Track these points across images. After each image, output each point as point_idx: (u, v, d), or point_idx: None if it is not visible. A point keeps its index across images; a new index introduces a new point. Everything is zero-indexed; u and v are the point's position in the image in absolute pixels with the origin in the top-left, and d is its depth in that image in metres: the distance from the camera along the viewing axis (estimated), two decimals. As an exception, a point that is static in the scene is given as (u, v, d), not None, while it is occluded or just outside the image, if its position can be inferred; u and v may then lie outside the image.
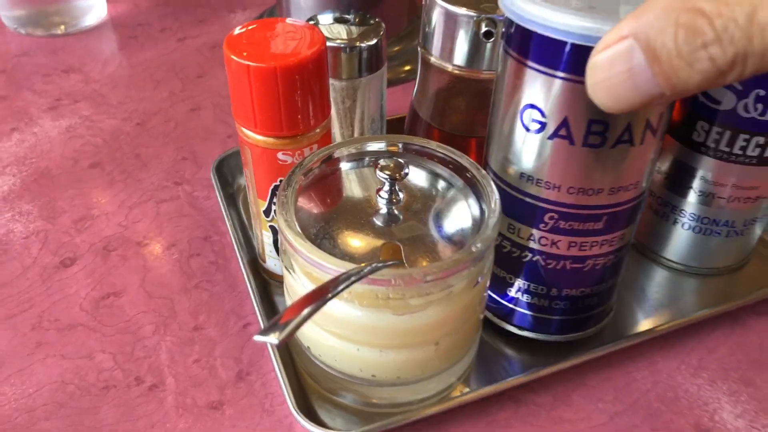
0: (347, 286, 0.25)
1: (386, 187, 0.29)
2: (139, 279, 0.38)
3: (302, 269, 0.28)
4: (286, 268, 0.29)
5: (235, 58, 0.29)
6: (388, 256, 0.28)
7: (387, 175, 0.28)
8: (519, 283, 0.32)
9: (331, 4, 0.53)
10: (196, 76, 0.56)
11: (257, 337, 0.20)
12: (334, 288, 0.24)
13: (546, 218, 0.29)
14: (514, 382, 0.32)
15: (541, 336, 0.34)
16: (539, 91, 0.27)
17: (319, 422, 0.30)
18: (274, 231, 0.35)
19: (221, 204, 0.41)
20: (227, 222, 0.39)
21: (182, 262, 0.39)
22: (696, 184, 0.36)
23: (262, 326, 0.34)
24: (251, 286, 0.35)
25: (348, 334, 0.29)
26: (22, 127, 0.50)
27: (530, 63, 0.27)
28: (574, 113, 0.26)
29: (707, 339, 0.36)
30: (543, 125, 0.27)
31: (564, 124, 0.27)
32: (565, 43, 0.25)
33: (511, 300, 0.34)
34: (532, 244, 0.31)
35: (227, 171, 0.44)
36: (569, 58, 0.25)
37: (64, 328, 0.35)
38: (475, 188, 0.30)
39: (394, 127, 0.45)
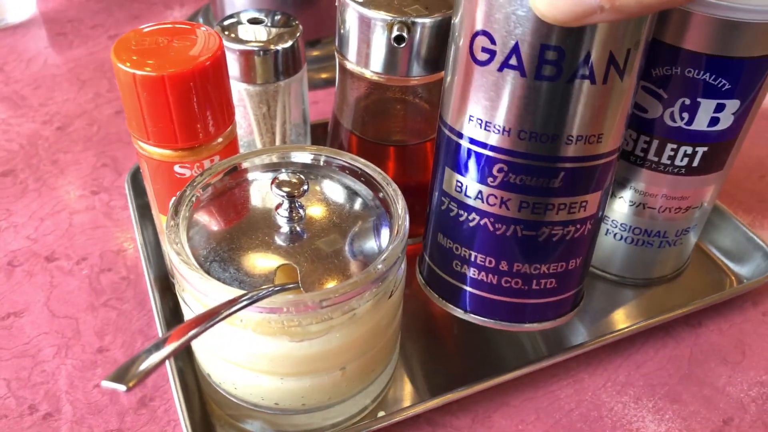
0: (232, 313, 0.23)
1: (285, 205, 0.27)
2: (44, 297, 0.36)
3: (192, 296, 0.26)
4: (178, 293, 0.27)
5: (121, 66, 0.27)
6: (284, 279, 0.26)
7: (285, 192, 0.27)
8: (465, 253, 0.29)
9: (264, 3, 0.50)
10: (125, 75, 0.54)
11: (104, 383, 0.18)
12: (213, 318, 0.22)
13: (495, 171, 0.26)
14: (430, 405, 0.31)
15: (489, 322, 0.30)
16: (490, 14, 0.24)
17: (220, 454, 0.29)
18: None
19: (133, 215, 0.38)
20: (137, 235, 0.37)
21: (92, 278, 0.37)
22: (627, 194, 0.34)
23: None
24: (156, 306, 0.33)
25: (246, 363, 0.27)
26: (-67, 132, 0.47)
27: None
28: (525, 38, 0.23)
29: (636, 354, 0.34)
30: (492, 54, 0.24)
31: (515, 50, 0.24)
32: None
33: (457, 276, 0.30)
34: (480, 204, 0.27)
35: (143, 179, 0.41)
36: None
37: (-44, 352, 0.33)
38: (386, 204, 0.29)
39: (322, 132, 0.43)
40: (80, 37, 0.58)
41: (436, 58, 0.32)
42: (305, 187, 0.27)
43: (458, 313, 0.31)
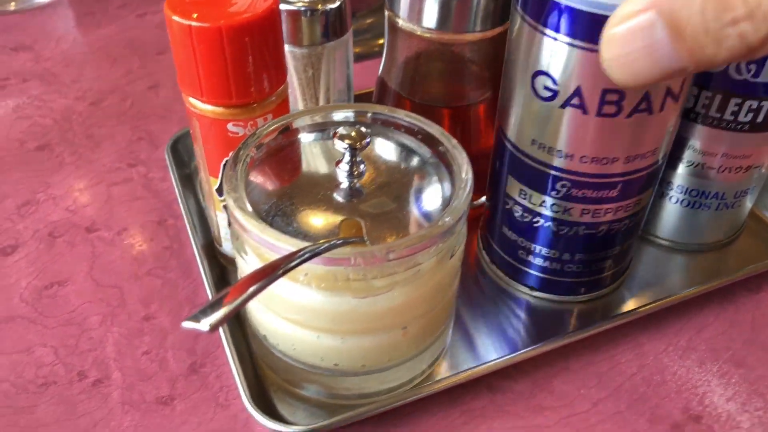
0: (297, 265, 0.22)
1: (346, 159, 0.26)
2: (87, 267, 0.35)
3: (254, 251, 0.25)
4: (237, 251, 0.27)
5: (176, 18, 0.26)
6: (348, 233, 0.25)
7: (347, 144, 0.26)
8: (529, 245, 0.32)
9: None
10: (156, 52, 0.53)
11: (185, 324, 0.18)
12: (284, 266, 0.22)
13: (558, 186, 0.28)
14: (490, 368, 0.30)
15: (553, 296, 0.33)
16: (551, 58, 0.25)
17: (278, 417, 0.28)
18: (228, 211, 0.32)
19: (175, 185, 0.38)
20: (181, 204, 0.36)
21: (134, 248, 0.37)
22: (685, 154, 0.33)
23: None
24: (205, 272, 0.33)
25: (307, 321, 0.26)
26: (-35, 108, 0.46)
27: (542, 28, 0.25)
28: (587, 82, 0.25)
29: (696, 318, 0.33)
30: (555, 93, 0.26)
31: (577, 93, 0.25)
32: (581, 10, 0.23)
33: (523, 262, 0.33)
34: (544, 211, 0.30)
35: (183, 150, 0.41)
36: (584, 26, 0.24)
37: (0, 320, 0.32)
38: (445, 160, 0.28)
39: (364, 101, 0.42)
40: (108, 17, 0.58)
41: (491, 14, 0.31)
42: (367, 140, 0.26)
43: (524, 290, 0.34)
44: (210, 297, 0.32)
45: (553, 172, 0.28)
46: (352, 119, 0.29)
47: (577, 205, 0.29)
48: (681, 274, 0.36)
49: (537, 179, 0.29)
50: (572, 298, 0.33)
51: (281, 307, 0.26)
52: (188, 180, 0.39)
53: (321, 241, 0.23)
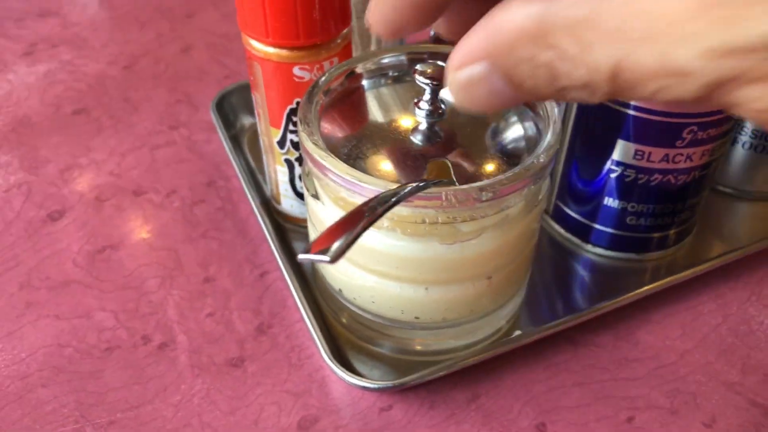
0: (393, 205, 0.21)
1: (427, 96, 0.25)
2: (138, 230, 0.34)
3: (333, 195, 0.24)
4: (312, 196, 0.25)
5: (241, -47, 0.24)
6: (435, 175, 0.24)
7: (428, 79, 0.24)
8: (642, 208, 0.30)
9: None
10: (185, 15, 0.51)
11: (302, 257, 0.16)
12: (380, 205, 0.20)
13: (684, 133, 0.27)
14: (571, 321, 0.29)
15: (623, 254, 0.32)
16: None
17: (357, 374, 0.27)
18: (290, 165, 0.31)
19: (225, 145, 0.36)
20: (234, 163, 0.35)
21: (185, 210, 0.35)
22: None
23: (284, 272, 0.30)
24: (268, 231, 0.31)
25: (389, 271, 0.25)
26: (-5, 76, 0.45)
27: None
28: None
29: (777, 267, 0.32)
30: None
31: None
32: None
33: (630, 228, 0.31)
34: (664, 165, 0.28)
35: (229, 110, 0.39)
36: None
37: (56, 285, 0.31)
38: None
39: None
40: (132, -19, 0.56)
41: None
42: None
43: (595, 250, 0.33)
44: (275, 254, 0.30)
45: (682, 120, 0.27)
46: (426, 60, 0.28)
47: (698, 149, 0.28)
48: (753, 222, 0.35)
49: (660, 134, 0.27)
50: (642, 256, 0.32)
51: (361, 256, 0.25)
52: (236, 140, 0.38)
53: (413, 182, 0.22)
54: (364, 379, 0.26)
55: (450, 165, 0.24)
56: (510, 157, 0.25)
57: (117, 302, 0.31)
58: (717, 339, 0.29)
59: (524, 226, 0.25)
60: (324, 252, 0.16)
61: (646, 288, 0.30)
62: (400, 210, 0.22)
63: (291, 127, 0.29)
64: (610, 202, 0.30)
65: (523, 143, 0.25)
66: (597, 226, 0.32)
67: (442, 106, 0.25)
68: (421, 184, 0.22)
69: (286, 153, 0.30)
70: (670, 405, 0.27)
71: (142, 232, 0.34)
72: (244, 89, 0.39)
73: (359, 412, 0.26)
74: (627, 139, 0.28)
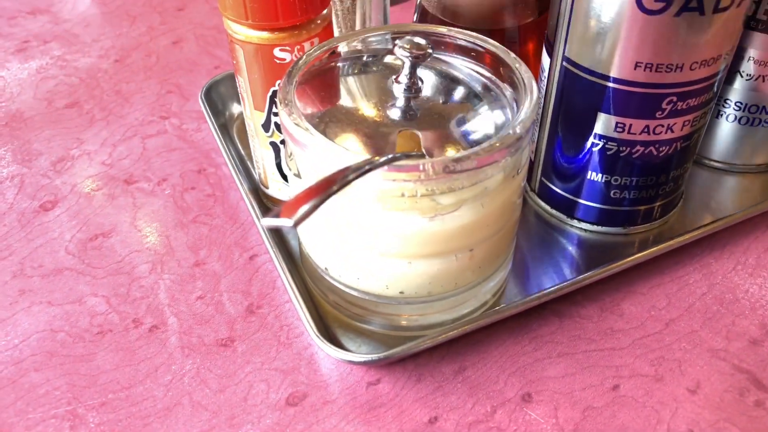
0: (362, 174, 0.21)
1: (406, 70, 0.25)
2: (130, 217, 0.35)
3: (313, 170, 0.24)
4: (295, 176, 0.26)
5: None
6: (406, 147, 0.24)
7: (408, 53, 0.24)
8: (625, 181, 0.30)
9: None
10: (176, 9, 0.52)
11: (266, 221, 0.17)
12: (350, 173, 0.20)
13: (664, 104, 0.27)
14: (557, 292, 0.29)
15: (609, 229, 0.32)
16: None
17: (345, 350, 0.27)
18: (276, 148, 0.31)
19: (214, 132, 0.37)
20: (222, 150, 0.35)
21: (176, 197, 0.36)
22: (743, 66, 0.32)
23: (273, 257, 0.30)
24: (256, 215, 0.32)
25: (372, 245, 0.25)
26: (-12, 73, 0.45)
27: None
28: None
29: (763, 237, 0.32)
30: (669, 2, 0.24)
31: None
32: None
33: (613, 201, 0.31)
34: (645, 137, 0.28)
35: (217, 99, 0.40)
36: None
37: (49, 273, 0.32)
38: (504, 76, 0.26)
39: None
40: (122, -23, 0.56)
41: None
42: (430, 50, 0.25)
43: (580, 225, 0.33)
44: (264, 238, 0.31)
45: (660, 91, 0.27)
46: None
47: (679, 120, 0.28)
48: (739, 195, 0.35)
49: (639, 105, 0.27)
50: (628, 230, 0.32)
51: (347, 231, 0.25)
52: (225, 129, 0.38)
53: (382, 156, 0.22)
54: (350, 353, 0.26)
55: (420, 136, 0.24)
56: (485, 134, 0.25)
57: (109, 288, 0.31)
58: (702, 307, 0.29)
59: (505, 198, 0.25)
60: (285, 218, 0.17)
61: (630, 258, 0.30)
62: (380, 184, 0.23)
63: (274, 110, 0.29)
64: (594, 176, 0.31)
65: (501, 120, 0.25)
66: (582, 201, 0.32)
67: (420, 82, 0.25)
68: (395, 156, 0.22)
69: (271, 136, 0.30)
70: (654, 372, 0.27)
71: (134, 219, 0.34)
72: (231, 78, 0.40)
73: (347, 387, 0.27)
74: (608, 111, 0.28)
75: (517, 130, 0.23)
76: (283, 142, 0.31)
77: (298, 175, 0.25)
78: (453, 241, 0.25)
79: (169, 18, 0.51)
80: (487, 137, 0.25)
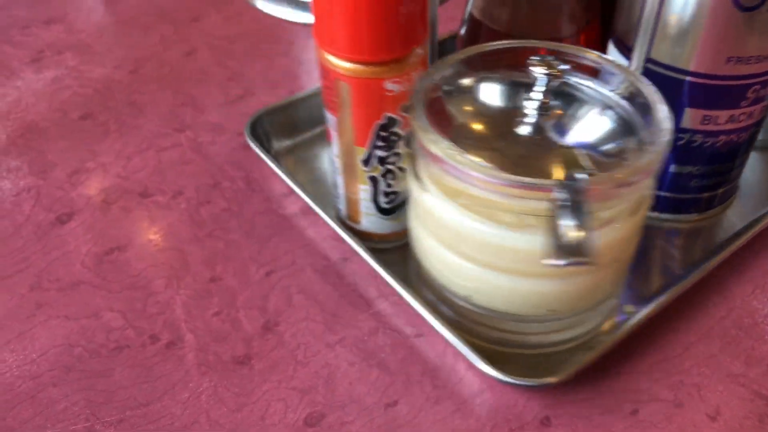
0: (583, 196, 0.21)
1: (539, 86, 0.24)
2: (145, 231, 0.35)
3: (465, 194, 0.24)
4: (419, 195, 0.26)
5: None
6: (564, 167, 0.24)
7: (543, 70, 0.24)
8: (701, 171, 0.31)
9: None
10: (190, 19, 0.52)
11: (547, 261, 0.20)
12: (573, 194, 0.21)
13: (749, 93, 0.28)
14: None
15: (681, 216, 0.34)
16: None
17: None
18: (375, 182, 0.30)
19: (275, 166, 0.35)
20: (294, 187, 0.34)
21: (191, 211, 0.36)
22: None
23: (407, 298, 0.29)
24: (358, 245, 0.31)
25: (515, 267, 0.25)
26: (2, 82, 0.45)
27: None
28: None
29: (781, 259, 0.32)
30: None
31: None
32: None
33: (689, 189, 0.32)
34: (730, 126, 0.29)
35: (261, 132, 0.38)
36: None
37: (65, 287, 0.32)
38: (633, 98, 0.26)
39: (444, 48, 0.40)
40: (136, -13, 0.56)
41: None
42: (565, 66, 0.25)
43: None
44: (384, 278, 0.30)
45: (746, 82, 0.28)
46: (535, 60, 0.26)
47: (760, 106, 0.29)
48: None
49: (725, 97, 0.28)
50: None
51: (498, 258, 0.25)
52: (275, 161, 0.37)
53: (555, 181, 0.22)
54: (528, 379, 0.26)
55: (581, 156, 0.24)
56: (621, 152, 0.25)
57: (125, 302, 0.31)
58: (721, 332, 0.29)
59: (644, 209, 0.25)
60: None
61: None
62: (537, 205, 0.22)
63: (378, 143, 0.29)
64: (673, 168, 0.31)
65: (634, 143, 0.25)
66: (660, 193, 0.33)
67: (552, 99, 0.25)
68: (584, 177, 0.22)
69: (371, 171, 0.30)
70: (674, 398, 0.27)
71: (149, 233, 0.34)
72: (272, 113, 0.39)
73: (365, 409, 0.27)
74: (695, 106, 0.29)
75: (663, 141, 0.23)
76: (384, 174, 0.30)
77: (425, 189, 0.25)
78: (606, 254, 0.25)
79: (182, 28, 0.51)
80: (621, 154, 0.24)
